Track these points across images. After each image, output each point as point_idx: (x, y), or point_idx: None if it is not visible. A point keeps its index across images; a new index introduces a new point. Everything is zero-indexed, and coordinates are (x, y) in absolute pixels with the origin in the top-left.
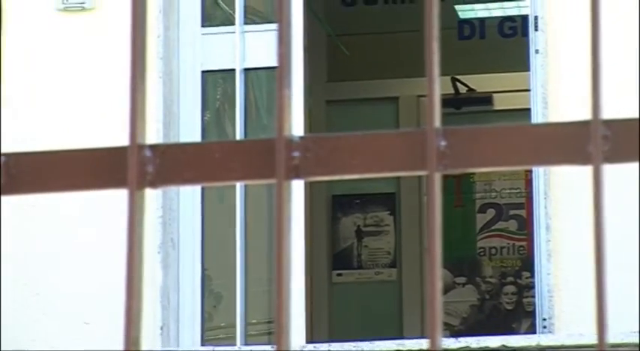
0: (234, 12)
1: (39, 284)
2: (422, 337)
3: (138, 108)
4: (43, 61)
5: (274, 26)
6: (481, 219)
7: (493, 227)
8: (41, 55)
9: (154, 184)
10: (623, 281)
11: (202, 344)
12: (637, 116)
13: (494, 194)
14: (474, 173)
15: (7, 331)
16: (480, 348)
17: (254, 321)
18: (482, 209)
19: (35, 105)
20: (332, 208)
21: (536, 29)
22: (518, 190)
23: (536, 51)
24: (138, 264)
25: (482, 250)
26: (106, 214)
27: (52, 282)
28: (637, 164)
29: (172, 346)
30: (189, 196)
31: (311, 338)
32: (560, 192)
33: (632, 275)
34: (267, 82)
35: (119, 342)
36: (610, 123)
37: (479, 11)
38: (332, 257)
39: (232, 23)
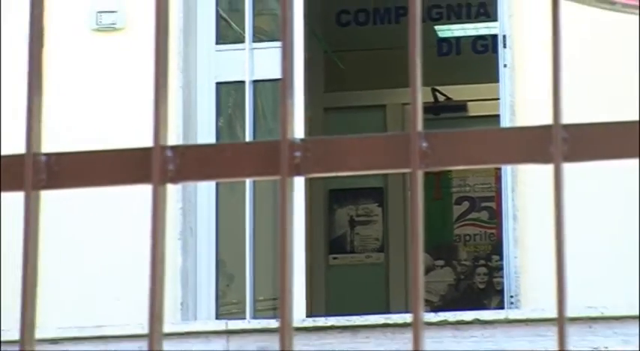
0: (243, 31)
1: (79, 265)
2: (406, 311)
3: (161, 114)
4: (79, 74)
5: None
6: (457, 210)
7: (467, 217)
8: (78, 69)
9: (174, 180)
10: (578, 264)
11: (217, 318)
12: (592, 121)
13: (468, 188)
14: (451, 170)
15: (46, 306)
16: (456, 321)
17: (261, 298)
18: (458, 202)
19: (73, 112)
20: (328, 200)
21: (504, 46)
22: (489, 185)
23: (505, 65)
24: (161, 249)
25: (457, 236)
26: (135, 206)
27: (91, 263)
28: (592, 163)
29: (190, 320)
30: (206, 190)
31: (310, 313)
32: (526, 187)
33: (585, 259)
34: (272, 92)
35: (145, 315)
36: (568, 127)
37: (455, 31)
38: (328, 243)
39: (242, 41)
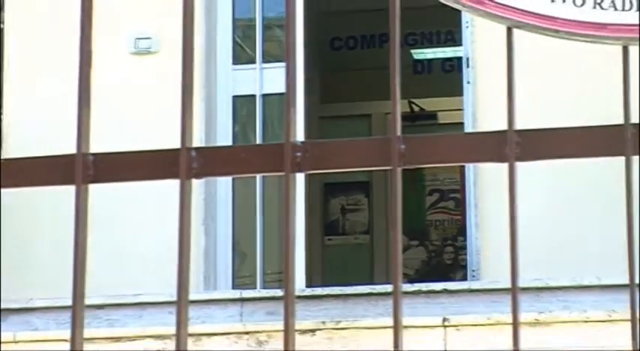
0: (255, 54)
1: (122, 244)
2: (387, 282)
3: (187, 121)
4: (121, 89)
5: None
6: (429, 200)
7: (437, 206)
8: (119, 85)
9: (198, 176)
10: (527, 244)
11: (233, 288)
12: (540, 128)
13: (438, 182)
14: (424, 167)
15: (94, 279)
16: (428, 290)
17: (269, 272)
18: (430, 193)
19: (115, 120)
20: (324, 192)
21: (467, 66)
22: (455, 180)
23: (468, 82)
24: (187, 232)
25: (429, 222)
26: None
27: (131, 243)
28: (541, 162)
29: (211, 290)
30: (224, 184)
31: (309, 284)
32: (485, 181)
33: (534, 239)
34: (278, 104)
35: (175, 286)
36: (521, 132)
37: (427, 54)
38: (324, 227)
39: (254, 62)
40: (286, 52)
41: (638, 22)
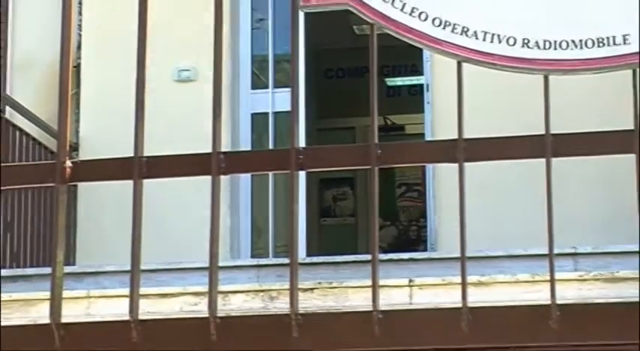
0: (268, 81)
1: (169, 222)
2: (367, 253)
3: (216, 132)
4: (167, 109)
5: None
6: (398, 191)
7: (405, 195)
8: (166, 106)
9: (225, 173)
10: (473, 225)
11: (251, 257)
12: (483, 136)
13: (405, 178)
14: (395, 167)
15: (147, 249)
16: (398, 259)
17: (279, 244)
18: (399, 186)
19: (162, 131)
20: (319, 185)
21: (427, 91)
22: (417, 176)
23: (428, 102)
24: (217, 214)
25: (399, 207)
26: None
27: (175, 223)
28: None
29: (235, 258)
30: (245, 179)
31: (308, 254)
32: (441, 177)
33: (477, 222)
34: (285, 119)
35: (207, 255)
36: (467, 140)
37: (397, 81)
38: (320, 211)
39: (267, 87)
40: (291, 80)
41: (556, 58)
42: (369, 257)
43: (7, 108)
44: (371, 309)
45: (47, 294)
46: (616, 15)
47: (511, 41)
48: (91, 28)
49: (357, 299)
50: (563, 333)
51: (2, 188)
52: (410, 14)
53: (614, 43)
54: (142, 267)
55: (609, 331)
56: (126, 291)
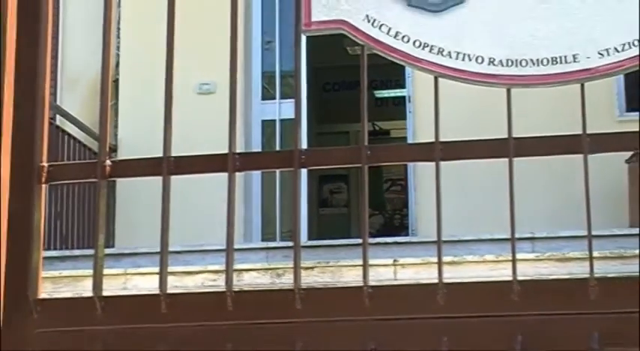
0: (275, 93)
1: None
2: (358, 237)
3: (232, 136)
4: (191, 117)
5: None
6: (385, 186)
7: (390, 189)
8: (190, 114)
9: (239, 170)
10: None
11: (262, 241)
12: (456, 140)
13: (391, 174)
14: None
15: (175, 233)
16: (384, 243)
17: (284, 230)
18: (385, 181)
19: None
20: (319, 180)
21: (409, 102)
22: (401, 173)
23: (409, 111)
24: (233, 204)
25: (386, 199)
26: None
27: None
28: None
29: (248, 242)
30: (256, 175)
31: (310, 238)
32: (420, 174)
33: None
34: (290, 125)
35: (225, 238)
36: (443, 143)
37: (384, 93)
38: (319, 202)
39: (275, 98)
40: (295, 93)
41: (517, 74)
42: (359, 241)
43: (58, 116)
44: (362, 284)
45: (90, 271)
46: (566, 38)
47: (479, 60)
48: (128, 49)
49: (350, 276)
50: (522, 304)
51: (52, 183)
52: (394, 37)
53: (566, 62)
54: (170, 249)
55: (561, 303)
56: (156, 269)
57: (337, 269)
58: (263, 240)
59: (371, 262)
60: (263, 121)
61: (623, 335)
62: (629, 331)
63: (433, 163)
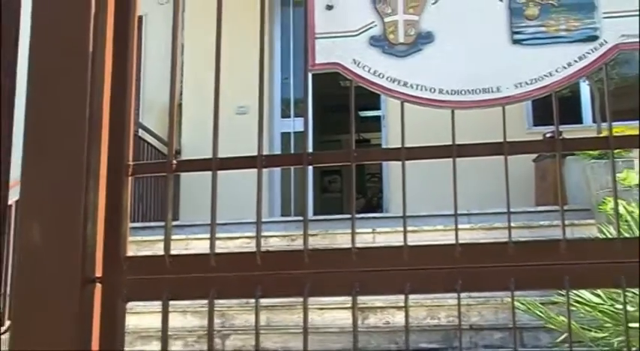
0: (290, 113)
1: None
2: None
3: (260, 143)
4: (231, 130)
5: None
6: (367, 177)
7: (370, 180)
8: (231, 130)
9: (265, 167)
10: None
11: (281, 215)
12: (419, 145)
13: (371, 169)
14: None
15: (219, 209)
16: (367, 217)
17: (296, 209)
18: (367, 174)
19: (229, 143)
20: (321, 174)
21: (383, 119)
22: (377, 168)
23: (384, 126)
24: (260, 190)
25: (367, 187)
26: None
27: (236, 195)
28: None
29: (271, 216)
30: (277, 170)
31: (315, 213)
32: (391, 170)
33: (413, 194)
34: (300, 136)
35: (254, 214)
36: (409, 148)
37: (366, 113)
38: (321, 189)
39: (290, 117)
40: (304, 113)
41: (459, 99)
42: (349, 216)
43: (140, 130)
44: (350, 246)
45: (162, 237)
46: (494, 75)
47: (432, 90)
48: (189, 80)
49: (342, 240)
50: (462, 260)
51: (135, 176)
52: (373, 74)
53: (492, 92)
54: (217, 221)
55: (488, 259)
56: (207, 235)
57: (333, 236)
58: (282, 215)
59: (357, 231)
60: (282, 133)
61: (532, 281)
62: (535, 278)
63: (400, 162)
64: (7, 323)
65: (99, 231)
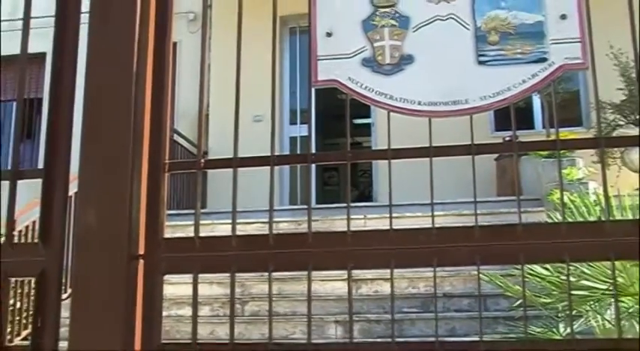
0: (297, 121)
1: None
2: (344, 203)
3: (272, 146)
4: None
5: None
6: (359, 173)
7: (362, 175)
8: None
9: (276, 165)
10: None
11: (289, 204)
12: (402, 147)
13: (364, 167)
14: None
15: (240, 200)
16: (360, 205)
17: (302, 199)
18: (359, 170)
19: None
20: (322, 170)
21: (373, 126)
22: (368, 166)
23: (373, 131)
24: (272, 183)
25: (360, 181)
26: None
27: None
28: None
29: (281, 205)
30: (286, 167)
31: (317, 203)
32: (379, 167)
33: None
34: (305, 140)
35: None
36: (394, 149)
37: (359, 121)
38: (322, 182)
39: (297, 124)
40: (308, 120)
41: (434, 110)
42: (345, 205)
43: (175, 135)
44: (345, 230)
45: (192, 222)
46: (463, 89)
47: (413, 102)
48: (214, 94)
49: (340, 225)
50: (437, 240)
51: (171, 172)
52: (364, 89)
53: (462, 103)
54: (238, 209)
55: (458, 240)
56: (229, 221)
57: (332, 221)
58: (290, 204)
59: (352, 218)
60: (290, 137)
61: (493, 257)
62: (496, 255)
63: (386, 161)
64: (69, 291)
65: (141, 217)
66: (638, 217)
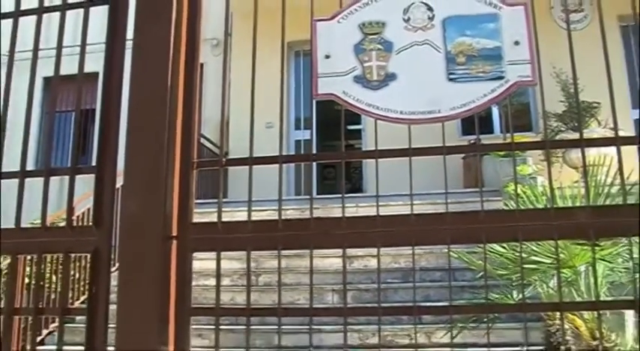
0: (301, 126)
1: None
2: (339, 194)
3: (281, 148)
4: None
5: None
6: (352, 170)
7: (354, 171)
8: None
9: (284, 163)
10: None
11: (294, 195)
12: (391, 148)
13: (355, 165)
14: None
15: (255, 192)
16: (352, 196)
17: (306, 190)
18: (352, 167)
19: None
20: (323, 167)
21: (363, 131)
22: (359, 164)
23: (363, 135)
24: (281, 178)
25: (352, 176)
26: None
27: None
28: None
29: (288, 195)
30: (291, 165)
31: (318, 194)
32: (368, 165)
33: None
34: (308, 142)
35: (277, 193)
36: (380, 150)
37: (352, 127)
38: (322, 177)
39: (301, 129)
40: (310, 126)
41: (413, 118)
42: (340, 195)
43: (201, 138)
44: (341, 216)
45: (216, 210)
46: (436, 102)
47: (396, 111)
48: (234, 104)
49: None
50: (416, 224)
51: (198, 169)
52: (356, 101)
53: (435, 113)
54: (253, 199)
55: (435, 223)
56: (246, 208)
57: (330, 209)
58: (295, 195)
59: (345, 205)
60: (295, 141)
61: (461, 238)
62: (463, 236)
63: (374, 160)
64: (117, 265)
65: (174, 205)
66: (577, 205)
